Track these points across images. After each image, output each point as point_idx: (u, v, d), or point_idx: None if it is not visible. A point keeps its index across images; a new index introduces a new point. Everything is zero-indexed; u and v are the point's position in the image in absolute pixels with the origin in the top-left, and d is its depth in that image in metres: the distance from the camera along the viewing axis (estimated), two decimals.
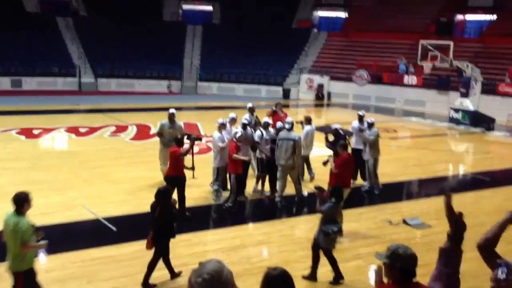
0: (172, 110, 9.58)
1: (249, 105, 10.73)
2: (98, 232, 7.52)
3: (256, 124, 9.99)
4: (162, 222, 5.73)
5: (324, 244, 5.97)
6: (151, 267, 5.77)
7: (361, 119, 10.58)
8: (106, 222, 7.66)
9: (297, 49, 28.87)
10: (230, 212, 8.52)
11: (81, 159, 11.62)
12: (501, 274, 2.31)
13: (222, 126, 8.95)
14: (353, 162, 8.13)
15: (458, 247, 2.67)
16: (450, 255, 2.64)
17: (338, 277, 6.09)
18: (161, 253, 5.82)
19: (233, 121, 9.70)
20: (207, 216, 8.53)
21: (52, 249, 6.81)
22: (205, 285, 1.95)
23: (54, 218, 7.75)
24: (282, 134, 8.77)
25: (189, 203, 8.88)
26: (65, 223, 7.64)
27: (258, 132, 9.14)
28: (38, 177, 9.99)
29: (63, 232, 7.48)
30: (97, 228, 7.61)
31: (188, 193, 8.32)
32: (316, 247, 6.07)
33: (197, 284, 1.97)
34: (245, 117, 9.81)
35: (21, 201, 4.52)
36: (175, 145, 8.04)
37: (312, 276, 6.09)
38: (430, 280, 2.72)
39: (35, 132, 14.61)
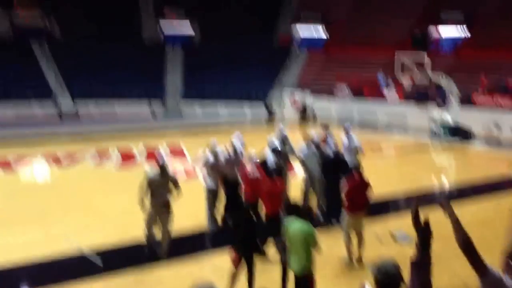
0: (162, 161, 7.12)
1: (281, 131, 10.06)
2: (82, 265, 7.22)
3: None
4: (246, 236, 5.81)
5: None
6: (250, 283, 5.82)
7: (347, 132, 10.55)
8: (90, 254, 7.39)
9: (279, 66, 29.09)
10: (220, 233, 8.34)
11: (61, 189, 11.27)
12: None
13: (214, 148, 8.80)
14: (362, 184, 7.28)
15: (428, 255, 2.83)
16: (421, 266, 2.80)
17: None
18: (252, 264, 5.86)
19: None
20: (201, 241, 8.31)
21: None
22: None
23: (34, 253, 7.44)
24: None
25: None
26: (47, 258, 7.33)
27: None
28: (16, 210, 9.62)
29: (45, 268, 7.16)
30: (81, 261, 7.31)
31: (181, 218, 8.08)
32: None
33: None
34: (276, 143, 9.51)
35: (305, 211, 5.51)
36: (270, 181, 6.86)
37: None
38: None
39: (11, 160, 14.18)
